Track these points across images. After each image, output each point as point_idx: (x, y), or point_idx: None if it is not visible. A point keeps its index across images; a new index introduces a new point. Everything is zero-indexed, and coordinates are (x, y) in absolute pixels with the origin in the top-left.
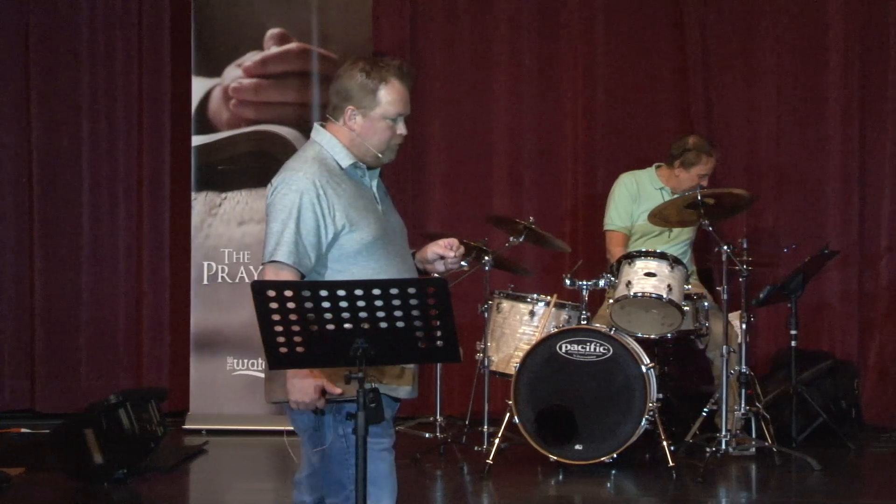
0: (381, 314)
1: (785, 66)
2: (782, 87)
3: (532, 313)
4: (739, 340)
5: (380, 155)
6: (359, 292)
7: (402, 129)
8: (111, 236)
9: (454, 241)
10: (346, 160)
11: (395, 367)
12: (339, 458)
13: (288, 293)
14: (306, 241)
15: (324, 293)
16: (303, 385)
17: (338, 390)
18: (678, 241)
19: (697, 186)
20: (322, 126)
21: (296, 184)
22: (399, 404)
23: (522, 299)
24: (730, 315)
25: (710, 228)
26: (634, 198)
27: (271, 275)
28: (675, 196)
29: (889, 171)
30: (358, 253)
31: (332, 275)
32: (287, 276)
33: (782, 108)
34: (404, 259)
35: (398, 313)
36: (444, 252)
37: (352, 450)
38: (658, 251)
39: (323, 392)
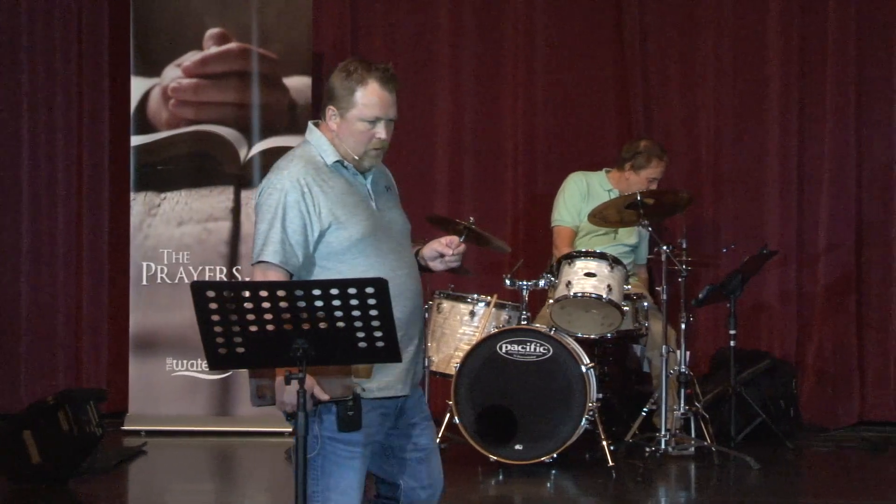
0: (321, 314)
1: (724, 67)
2: (721, 89)
3: (472, 313)
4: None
5: (356, 157)
6: (299, 293)
7: (381, 132)
8: (50, 236)
9: (454, 239)
10: (331, 157)
11: (383, 368)
12: (312, 462)
13: (227, 293)
14: (293, 239)
15: (263, 293)
16: (291, 390)
17: (325, 396)
18: (622, 241)
19: (647, 188)
20: (315, 124)
21: (280, 183)
22: (401, 399)
23: (463, 299)
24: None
25: (650, 229)
26: (584, 196)
27: (259, 275)
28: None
29: (827, 172)
30: (346, 250)
31: (320, 272)
32: (275, 275)
33: (721, 109)
34: (400, 255)
35: (338, 313)
36: (442, 249)
37: (323, 452)
38: (598, 251)
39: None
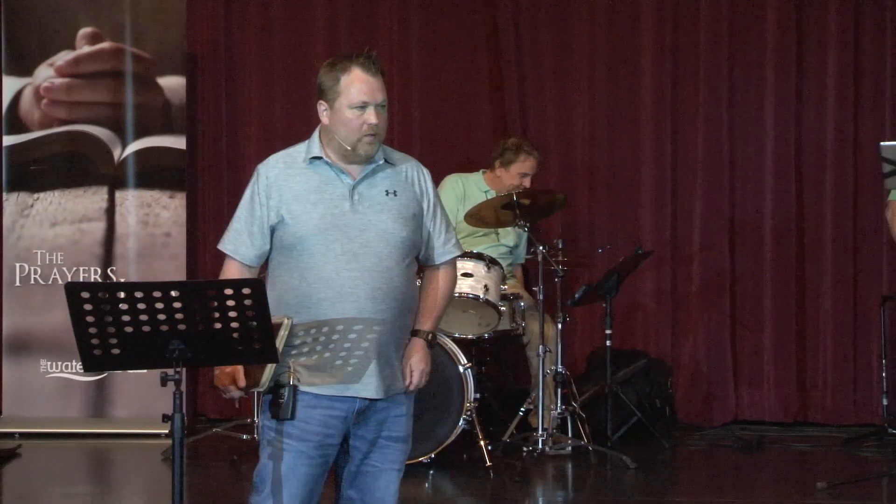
0: (197, 315)
1: (597, 69)
2: (595, 89)
3: None
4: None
5: (348, 147)
6: (174, 293)
7: (371, 118)
8: None
9: (416, 381)
10: (312, 153)
11: (320, 365)
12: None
13: (102, 294)
14: (246, 230)
15: (139, 294)
16: (220, 374)
17: (242, 382)
18: (503, 242)
19: (520, 187)
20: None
21: (254, 176)
22: (358, 403)
23: None
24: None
25: (527, 229)
26: (460, 198)
27: (225, 265)
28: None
29: (701, 173)
30: (292, 246)
31: (274, 266)
32: (230, 264)
33: (596, 109)
34: (357, 257)
35: (215, 314)
36: (409, 377)
37: (265, 439)
38: (475, 251)
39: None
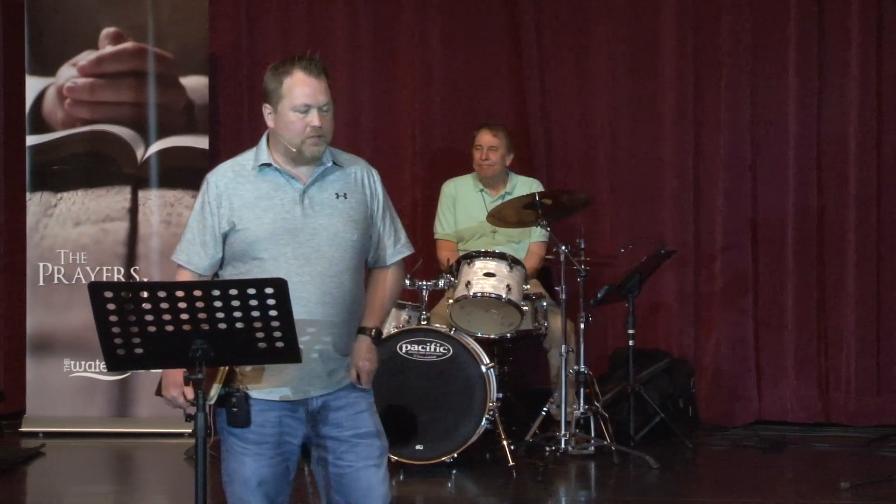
0: (220, 315)
1: (619, 69)
2: (617, 89)
3: None
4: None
5: (293, 150)
6: (197, 293)
7: (314, 120)
8: None
9: (364, 381)
10: (260, 160)
11: (269, 371)
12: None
13: (125, 294)
14: (198, 240)
15: (162, 294)
16: (166, 383)
17: (191, 394)
18: (505, 244)
19: (483, 163)
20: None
21: (203, 186)
22: (312, 403)
23: None
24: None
25: (549, 229)
26: (454, 203)
27: (175, 274)
28: (510, 196)
29: (723, 172)
30: (244, 252)
31: (226, 273)
32: (182, 275)
33: (617, 108)
34: (308, 261)
35: (238, 314)
36: (357, 376)
37: (224, 443)
38: (497, 251)
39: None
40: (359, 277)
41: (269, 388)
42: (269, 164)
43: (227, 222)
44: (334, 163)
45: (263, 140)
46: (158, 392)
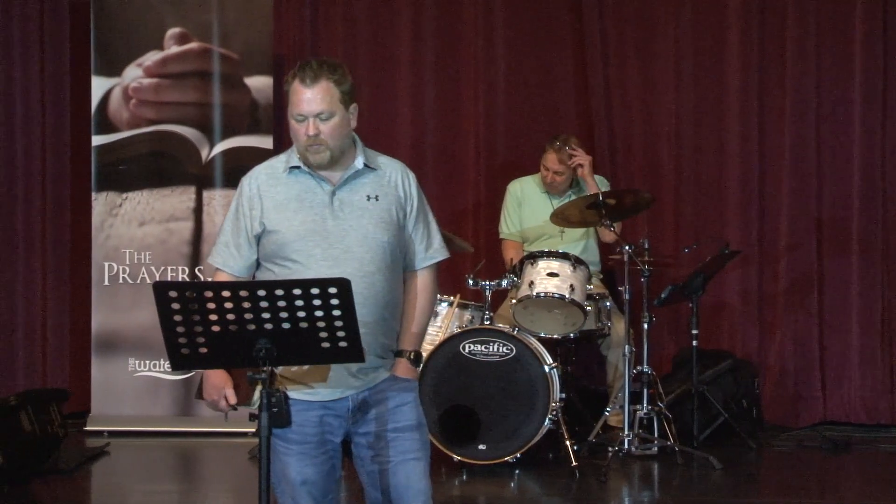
0: (284, 314)
1: (683, 68)
2: (681, 89)
3: (435, 313)
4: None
5: (298, 155)
6: (261, 293)
7: (310, 129)
8: (11, 237)
9: None
10: (290, 163)
11: (307, 371)
12: None
13: (189, 294)
14: (233, 241)
15: (226, 294)
16: (208, 387)
17: (233, 399)
18: (570, 243)
19: (549, 181)
20: None
21: (237, 189)
22: (350, 402)
23: None
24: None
25: (613, 229)
26: (519, 203)
27: (212, 276)
28: (576, 196)
29: (788, 172)
30: (275, 254)
31: (261, 274)
32: (219, 277)
33: (681, 107)
34: (338, 262)
35: (301, 314)
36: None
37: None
38: (561, 251)
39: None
40: (393, 278)
41: (307, 388)
42: (299, 167)
43: (258, 224)
44: (367, 165)
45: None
46: (199, 395)
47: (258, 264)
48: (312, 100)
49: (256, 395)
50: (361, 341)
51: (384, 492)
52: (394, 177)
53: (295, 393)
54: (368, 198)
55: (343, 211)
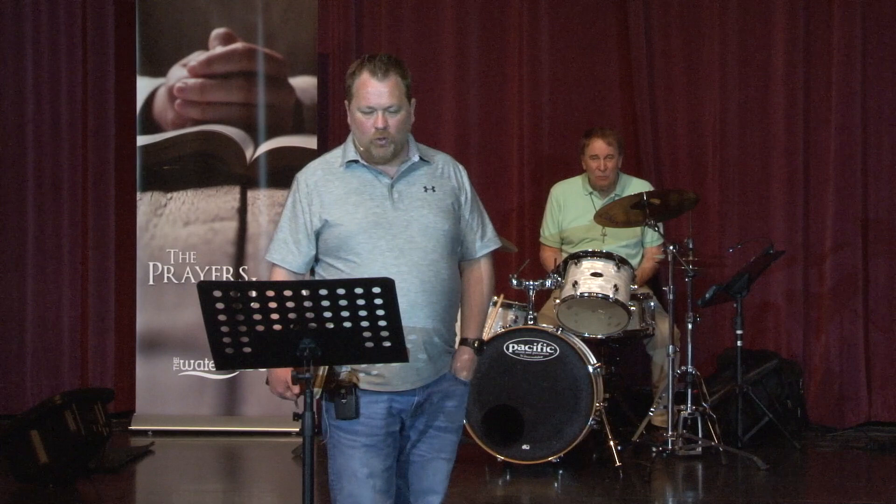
0: (327, 314)
1: (728, 67)
2: (726, 88)
3: None
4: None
5: (362, 148)
6: (305, 292)
7: (378, 122)
8: (55, 237)
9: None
10: (348, 157)
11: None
12: (328, 448)
13: (234, 293)
14: (291, 238)
15: (270, 293)
16: (272, 379)
17: (297, 390)
18: (612, 246)
19: (599, 172)
20: None
21: (293, 185)
22: (417, 397)
23: None
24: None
25: (657, 228)
26: (561, 207)
27: (268, 273)
28: (619, 197)
29: (833, 171)
30: (338, 248)
31: (321, 268)
32: (277, 273)
33: (726, 108)
34: (403, 253)
35: (345, 313)
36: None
37: (331, 439)
38: (605, 251)
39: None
40: (454, 266)
41: (377, 379)
42: (356, 161)
43: (318, 219)
44: (421, 158)
45: (350, 137)
46: (269, 382)
47: (317, 260)
48: (383, 93)
49: (318, 384)
50: (405, 340)
51: (407, 481)
52: (446, 169)
53: (364, 384)
54: (426, 189)
55: (403, 202)
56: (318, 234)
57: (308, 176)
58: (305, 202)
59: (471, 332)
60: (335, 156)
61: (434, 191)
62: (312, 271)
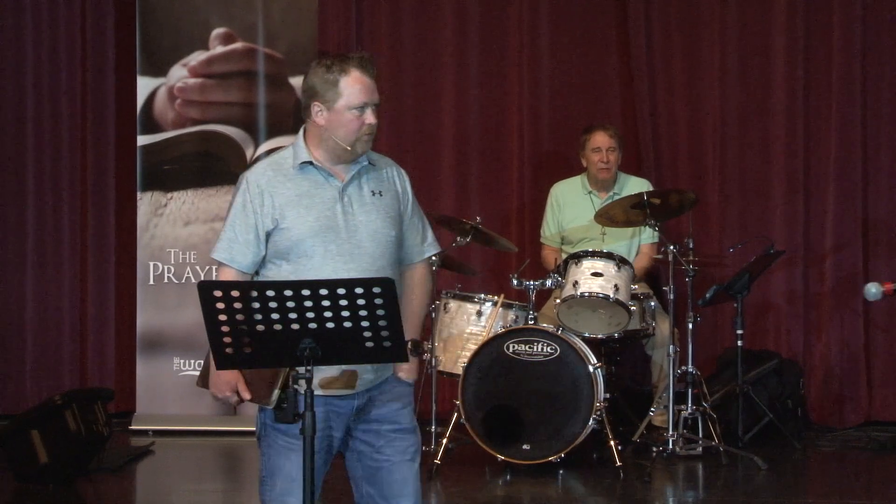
0: (328, 314)
1: (728, 67)
2: (726, 88)
3: (479, 313)
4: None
5: (348, 147)
6: (306, 292)
7: (370, 118)
8: (55, 237)
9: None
10: (300, 159)
11: (317, 368)
12: (260, 447)
13: (234, 293)
14: (241, 238)
15: (270, 293)
16: (218, 381)
17: (247, 395)
18: (611, 246)
19: (601, 165)
20: (304, 128)
21: (240, 185)
22: (356, 401)
23: (470, 299)
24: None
25: (657, 228)
26: (560, 206)
27: (216, 272)
28: (618, 195)
29: (833, 171)
30: (289, 250)
31: (270, 270)
32: (225, 272)
33: (726, 107)
34: (353, 258)
35: (345, 313)
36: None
37: (266, 439)
38: (605, 251)
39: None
40: (397, 271)
41: (317, 384)
42: (309, 163)
43: (270, 220)
44: (369, 161)
45: (300, 138)
46: (202, 384)
47: (263, 261)
48: (374, 89)
49: (275, 395)
50: (405, 341)
51: (378, 489)
52: (390, 173)
53: (303, 388)
54: (373, 193)
55: (353, 206)
56: (268, 236)
57: (258, 176)
58: (257, 202)
59: (408, 334)
60: (285, 157)
61: (381, 195)
62: (257, 272)
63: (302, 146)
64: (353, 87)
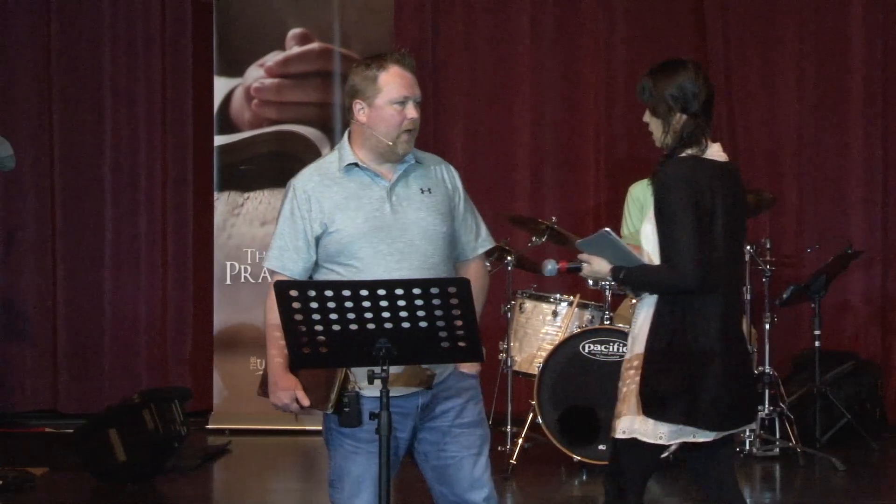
0: (403, 314)
1: (806, 66)
2: (803, 87)
3: (555, 313)
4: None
5: (390, 143)
6: (381, 292)
7: (411, 112)
8: (134, 237)
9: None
10: (344, 161)
11: None
12: (328, 451)
13: (311, 293)
14: (291, 245)
15: (346, 293)
16: (277, 390)
17: (306, 402)
18: None
19: None
20: (349, 129)
21: (287, 192)
22: (420, 399)
23: (545, 299)
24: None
25: None
26: (641, 206)
27: (270, 281)
28: None
29: None
30: (340, 252)
31: (319, 275)
32: (278, 280)
33: (804, 107)
34: (405, 256)
35: (421, 313)
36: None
37: (333, 443)
38: None
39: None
40: (451, 268)
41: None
42: (355, 164)
43: (319, 225)
44: (416, 160)
45: (345, 140)
46: (262, 393)
47: (315, 266)
48: (414, 84)
49: (333, 397)
50: (480, 341)
51: (450, 487)
52: (440, 171)
53: (367, 391)
54: (422, 191)
55: (401, 205)
56: (317, 241)
57: (305, 182)
58: (305, 208)
59: None
60: (330, 161)
61: (430, 192)
62: (310, 278)
63: (347, 148)
64: (392, 81)
